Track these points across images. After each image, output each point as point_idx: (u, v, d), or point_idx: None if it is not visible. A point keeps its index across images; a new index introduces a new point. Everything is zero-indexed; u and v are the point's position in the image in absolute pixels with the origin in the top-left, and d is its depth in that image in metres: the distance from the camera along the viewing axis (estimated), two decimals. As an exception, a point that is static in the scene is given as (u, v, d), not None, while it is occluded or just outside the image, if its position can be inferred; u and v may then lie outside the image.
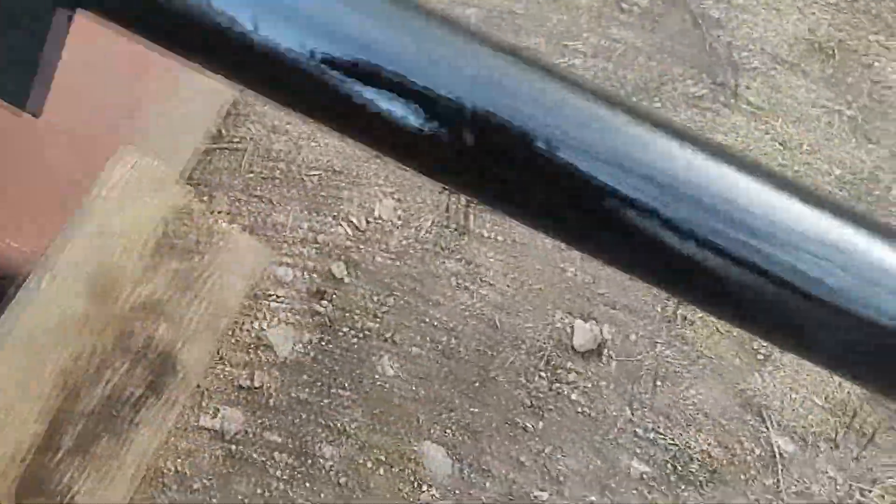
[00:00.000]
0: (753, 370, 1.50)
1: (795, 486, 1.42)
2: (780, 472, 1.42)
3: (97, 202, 1.34)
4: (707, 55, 1.81)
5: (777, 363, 1.51)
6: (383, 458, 1.50)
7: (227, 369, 1.59)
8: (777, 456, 1.44)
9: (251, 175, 1.77)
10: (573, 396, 1.52)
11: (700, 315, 1.56)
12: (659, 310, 1.58)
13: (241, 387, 1.57)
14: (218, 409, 1.56)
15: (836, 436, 1.46)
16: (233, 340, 1.61)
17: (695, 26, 1.85)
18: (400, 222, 1.70)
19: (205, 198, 1.74)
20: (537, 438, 1.50)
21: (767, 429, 1.46)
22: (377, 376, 1.57)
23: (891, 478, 1.41)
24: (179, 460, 1.52)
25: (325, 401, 1.55)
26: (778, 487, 1.41)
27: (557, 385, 1.53)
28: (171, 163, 1.62)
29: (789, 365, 1.51)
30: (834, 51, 1.80)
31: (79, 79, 1.27)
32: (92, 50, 1.18)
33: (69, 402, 1.36)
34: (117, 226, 1.37)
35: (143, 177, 1.39)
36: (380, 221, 1.70)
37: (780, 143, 1.69)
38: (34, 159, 1.27)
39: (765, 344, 1.53)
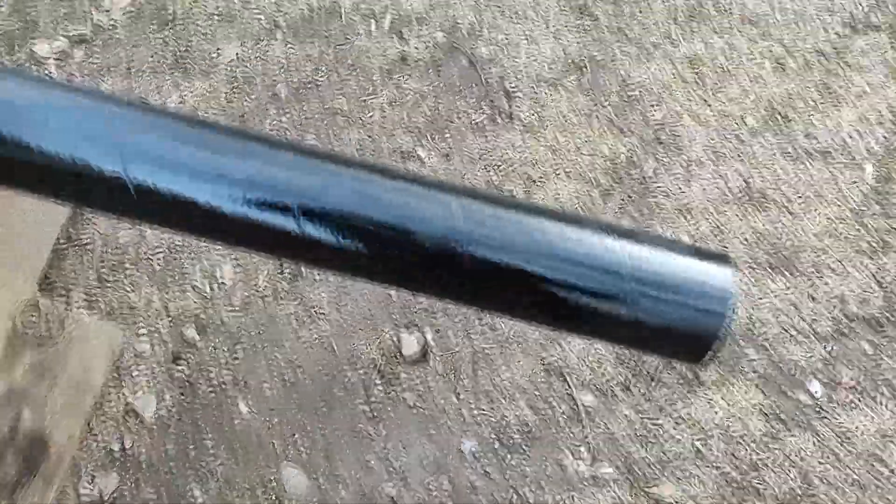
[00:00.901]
0: (553, 342, 1.74)
1: (599, 430, 1.64)
2: (584, 421, 1.64)
3: (-59, 310, 1.51)
4: (484, 88, 2.10)
5: (566, 342, 1.75)
6: (248, 487, 1.67)
7: (98, 439, 1.75)
8: (580, 408, 1.66)
9: (103, 267, 1.96)
10: (407, 398, 1.73)
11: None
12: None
13: (113, 452, 1.73)
14: (94, 477, 1.71)
15: (627, 382, 1.69)
16: (101, 413, 1.77)
17: (471, 66, 2.15)
18: (240, 281, 1.91)
19: (62, 294, 1.92)
20: (381, 441, 1.70)
21: (570, 387, 1.69)
22: (235, 418, 1.75)
23: (675, 407, 1.65)
24: (65, 532, 1.66)
25: (192, 450, 1.72)
26: (584, 434, 1.63)
27: (392, 391, 1.74)
28: (21, 269, 1.81)
29: (581, 331, 1.74)
30: (586, 64, 2.11)
31: None
32: None
33: (-56, 494, 1.50)
34: (-35, 328, 1.54)
35: (-16, 281, 1.58)
36: (223, 283, 1.91)
37: (552, 150, 1.98)
38: None
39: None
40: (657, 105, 2.04)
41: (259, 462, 1.69)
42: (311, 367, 1.79)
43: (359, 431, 1.71)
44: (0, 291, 1.60)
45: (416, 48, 2.19)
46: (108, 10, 2.38)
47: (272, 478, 1.67)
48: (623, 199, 1.91)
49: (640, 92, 2.06)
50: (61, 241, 1.97)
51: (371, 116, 2.09)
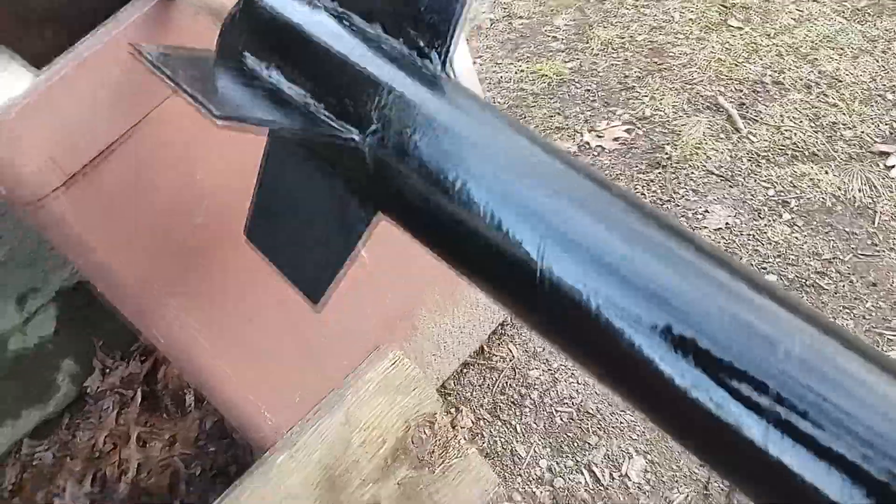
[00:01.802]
0: None
1: None
2: None
3: (350, 391, 1.36)
4: None
5: None
6: None
7: None
8: None
9: (502, 397, 1.72)
10: None
11: None
12: None
13: None
14: None
15: None
16: (440, 570, 1.48)
17: None
18: (648, 487, 1.51)
19: (451, 409, 1.71)
20: None
21: None
22: None
23: None
24: None
25: None
26: None
27: None
28: (430, 370, 1.63)
29: None
30: None
31: (364, 278, 1.35)
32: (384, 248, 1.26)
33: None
34: (363, 418, 1.37)
35: (400, 376, 1.40)
36: (626, 480, 1.53)
37: None
38: (313, 341, 1.34)
39: None
40: None
41: None
42: None
43: None
44: (409, 394, 1.41)
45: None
46: (601, 136, 2.24)
47: None
48: None
49: None
50: (475, 351, 1.78)
51: (884, 351, 1.57)
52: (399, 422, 1.42)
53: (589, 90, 2.41)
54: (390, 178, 0.64)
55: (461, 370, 1.76)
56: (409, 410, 1.43)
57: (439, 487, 1.48)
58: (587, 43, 2.57)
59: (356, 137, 0.63)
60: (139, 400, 1.89)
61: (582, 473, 1.56)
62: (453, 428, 1.66)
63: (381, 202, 0.69)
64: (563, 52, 2.59)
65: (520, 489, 1.56)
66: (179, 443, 1.82)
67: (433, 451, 1.47)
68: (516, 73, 2.56)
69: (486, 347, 1.79)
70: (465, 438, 1.64)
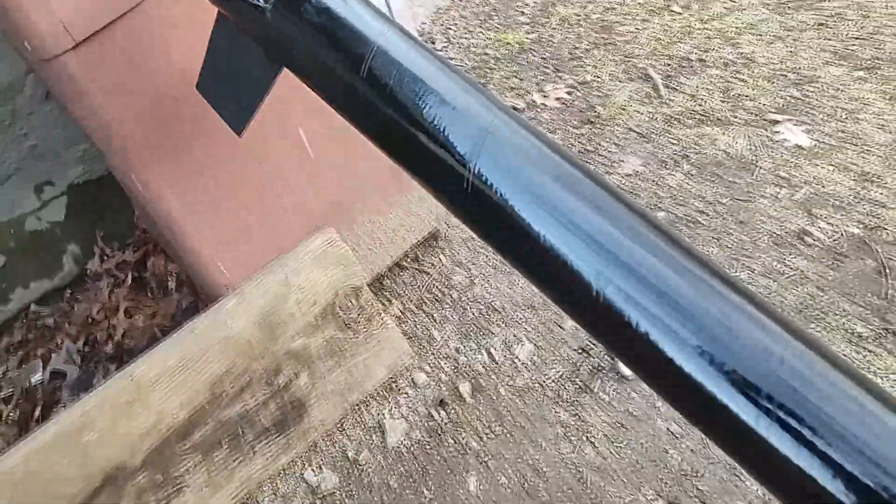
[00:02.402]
0: None
1: None
2: None
3: (291, 259, 1.71)
4: (885, 302, 1.79)
5: None
6: (435, 561, 1.56)
7: (342, 439, 1.80)
8: None
9: (428, 295, 2.06)
10: (634, 573, 1.48)
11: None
12: (752, 521, 1.50)
13: (346, 456, 1.77)
14: (321, 469, 1.76)
15: None
16: (357, 415, 1.83)
17: (878, 273, 1.85)
18: (532, 366, 1.85)
19: (384, 300, 2.06)
20: None
21: None
22: (460, 489, 1.66)
23: None
24: (275, 499, 1.73)
25: (408, 493, 1.68)
26: None
27: (622, 556, 1.50)
28: (366, 261, 1.98)
29: None
30: None
31: (312, 168, 1.70)
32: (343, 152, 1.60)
33: (211, 406, 1.67)
34: (299, 282, 1.72)
35: (333, 253, 1.75)
36: (515, 360, 1.87)
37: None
38: (268, 213, 1.69)
39: None
40: None
41: (458, 543, 1.58)
42: (555, 485, 1.63)
43: (567, 576, 1.50)
44: (340, 268, 1.76)
45: (821, 230, 1.95)
46: (546, 96, 2.57)
47: (461, 566, 1.55)
48: None
49: None
50: (408, 257, 2.12)
51: (736, 274, 1.90)
52: (329, 290, 1.77)
53: (543, 58, 2.74)
54: (287, 39, 0.98)
55: (397, 272, 2.11)
56: (339, 282, 1.78)
57: (360, 350, 1.83)
58: (548, 18, 2.91)
59: (261, 4, 0.98)
60: (129, 282, 2.26)
61: (482, 353, 1.90)
62: (383, 311, 2.01)
63: (282, 59, 1.03)
64: (527, 24, 2.92)
65: (430, 363, 1.91)
66: (160, 316, 2.18)
67: (358, 320, 1.82)
68: (484, 40, 2.90)
69: (420, 255, 2.14)
70: (391, 320, 1.98)
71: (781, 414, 0.55)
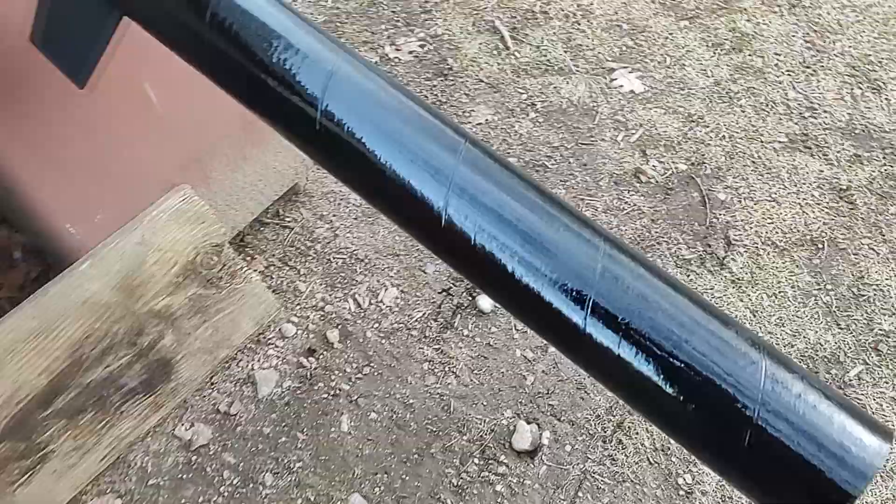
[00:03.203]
0: (671, 502, 1.54)
1: None
2: None
3: (147, 218, 1.68)
4: (706, 228, 2.00)
5: (697, 501, 1.54)
6: (312, 498, 1.63)
7: (213, 394, 1.82)
8: (673, 587, 1.44)
9: (291, 249, 2.09)
10: (497, 487, 1.61)
11: (634, 442, 1.64)
12: (599, 429, 1.67)
13: (219, 410, 1.79)
14: (193, 424, 1.77)
15: (739, 585, 1.44)
16: (226, 370, 1.85)
17: (701, 204, 2.06)
18: (397, 309, 1.93)
19: (248, 257, 2.07)
20: (454, 517, 1.59)
21: (671, 559, 1.47)
22: (333, 429, 1.73)
23: None
24: (147, 457, 1.73)
25: (283, 439, 1.73)
26: None
27: (486, 474, 1.63)
28: (226, 218, 1.97)
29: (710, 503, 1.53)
30: (824, 244, 1.93)
31: (158, 121, 1.67)
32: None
33: (72, 371, 1.63)
34: (157, 242, 1.70)
35: (190, 210, 1.74)
36: (380, 305, 1.94)
37: (752, 311, 1.81)
38: (115, 169, 1.65)
39: (689, 480, 1.57)
40: (889, 315, 1.80)
41: (335, 480, 1.65)
42: (421, 415, 1.74)
43: (437, 497, 1.61)
44: (198, 226, 1.75)
45: (654, 168, 2.15)
46: (399, 49, 2.62)
47: (339, 500, 1.62)
48: (812, 393, 1.68)
49: (875, 294, 1.84)
50: (269, 213, 2.13)
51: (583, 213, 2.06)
52: (189, 248, 1.76)
53: (394, 11, 2.78)
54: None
55: (259, 228, 2.12)
56: (198, 240, 1.77)
57: (226, 306, 1.84)
58: (398, -28, 2.94)
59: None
60: (-30, 254, 2.12)
61: (348, 301, 1.96)
62: (247, 267, 2.02)
63: (121, 5, 1.02)
64: (377, -21, 2.94)
65: (297, 314, 1.95)
66: (6, 288, 2.08)
67: (221, 276, 1.83)
68: (335, -6, 2.90)
69: (280, 211, 2.15)
70: (256, 275, 2.00)
71: (602, 312, 0.65)
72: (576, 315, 0.67)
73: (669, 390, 0.61)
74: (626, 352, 0.63)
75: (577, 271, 0.68)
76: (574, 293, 0.68)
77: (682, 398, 0.60)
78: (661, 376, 0.61)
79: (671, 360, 0.61)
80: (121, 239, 1.65)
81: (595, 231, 0.74)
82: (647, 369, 0.62)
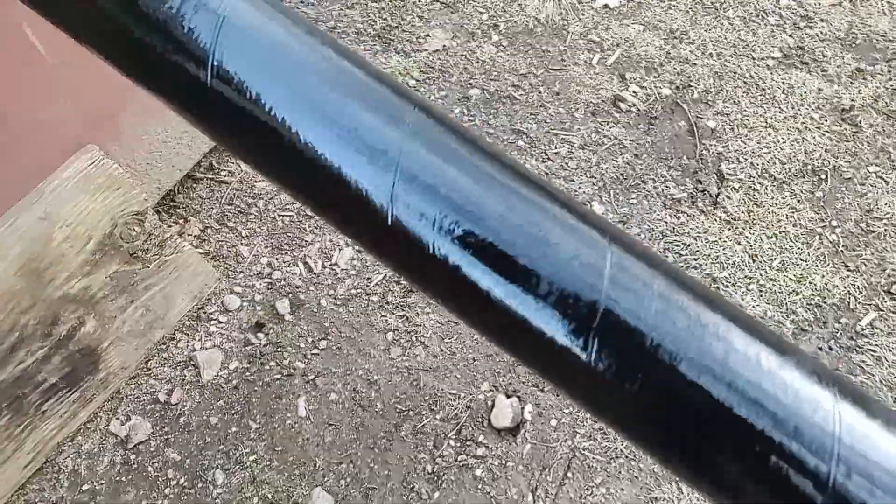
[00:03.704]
0: (670, 479, 1.38)
1: None
2: None
3: (49, 188, 1.42)
4: (695, 162, 1.79)
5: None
6: (270, 497, 1.44)
7: (149, 381, 1.60)
8: (677, 577, 1.29)
9: (230, 207, 1.84)
10: (477, 472, 1.44)
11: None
12: (587, 400, 1.49)
13: (157, 400, 1.57)
14: (129, 417, 1.56)
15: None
16: (163, 353, 1.62)
17: (689, 133, 1.84)
18: (354, 272, 1.71)
19: (179, 220, 1.81)
20: (430, 508, 1.42)
21: (673, 546, 1.32)
22: (289, 415, 1.53)
23: None
24: (79, 459, 1.52)
25: (233, 429, 1.53)
26: None
27: (463, 457, 1.45)
28: (149, 178, 1.71)
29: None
30: (828, 175, 1.73)
31: (52, 75, 1.39)
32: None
33: (-22, 372, 1.40)
34: (65, 215, 1.44)
35: (101, 175, 1.47)
36: (335, 268, 1.72)
37: (751, 256, 1.62)
38: (7, 127, 1.38)
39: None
40: (900, 250, 1.63)
41: (294, 473, 1.46)
42: (388, 392, 1.54)
43: (410, 486, 1.43)
44: (113, 193, 1.49)
45: (635, 95, 1.91)
46: (340, -35, 2.30)
47: (300, 497, 1.44)
48: (820, 346, 1.51)
49: (886, 230, 1.65)
50: (201, 167, 1.87)
51: (556, 151, 1.83)
52: (105, 219, 1.51)
53: (334, -77, 2.44)
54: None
55: (191, 185, 1.86)
56: (115, 209, 1.52)
57: (155, 281, 1.60)
58: None
59: None
60: None
61: (297, 265, 1.73)
62: (180, 235, 1.77)
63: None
64: None
65: (241, 283, 1.72)
66: None
67: (147, 248, 1.58)
68: None
69: (215, 164, 1.89)
70: (190, 242, 1.75)
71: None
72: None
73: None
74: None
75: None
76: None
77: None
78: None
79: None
80: (18, 216, 1.40)
81: (600, 228, 0.53)
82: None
